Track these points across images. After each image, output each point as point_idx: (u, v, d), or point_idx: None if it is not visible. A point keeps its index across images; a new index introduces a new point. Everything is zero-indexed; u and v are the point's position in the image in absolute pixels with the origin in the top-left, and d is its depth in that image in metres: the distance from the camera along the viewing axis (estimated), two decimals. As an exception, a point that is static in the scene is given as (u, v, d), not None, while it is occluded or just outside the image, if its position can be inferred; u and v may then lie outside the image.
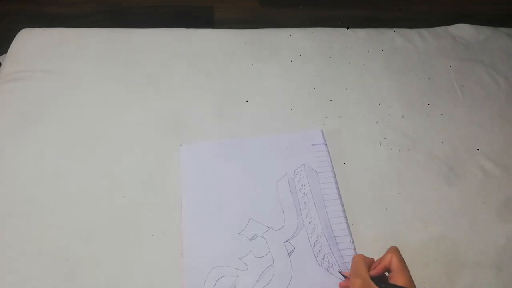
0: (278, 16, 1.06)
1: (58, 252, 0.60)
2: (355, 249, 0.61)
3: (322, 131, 0.74)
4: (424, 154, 0.73)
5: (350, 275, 0.52)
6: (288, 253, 0.60)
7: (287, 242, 0.61)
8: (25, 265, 0.58)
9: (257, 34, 0.90)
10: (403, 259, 0.50)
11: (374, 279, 0.49)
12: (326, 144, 0.72)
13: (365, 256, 0.53)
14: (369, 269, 0.51)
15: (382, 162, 0.72)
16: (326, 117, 0.77)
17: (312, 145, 0.71)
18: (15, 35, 0.86)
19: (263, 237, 0.61)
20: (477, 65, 0.88)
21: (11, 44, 0.85)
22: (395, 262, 0.50)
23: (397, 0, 1.04)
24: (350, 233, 0.63)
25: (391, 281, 0.49)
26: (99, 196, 0.65)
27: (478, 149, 0.74)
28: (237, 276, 0.58)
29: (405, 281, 0.48)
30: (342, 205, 0.65)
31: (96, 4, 1.02)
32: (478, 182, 0.70)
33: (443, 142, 0.75)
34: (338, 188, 0.67)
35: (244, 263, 0.59)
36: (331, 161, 0.70)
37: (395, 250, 0.51)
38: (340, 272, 0.59)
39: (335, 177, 0.68)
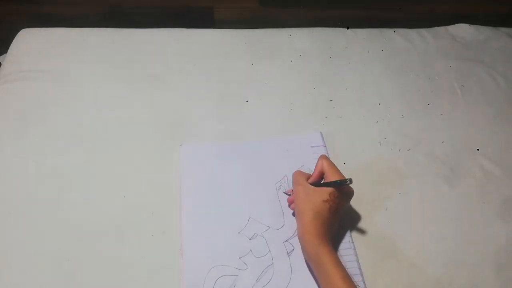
0: (278, 16, 1.06)
1: (58, 252, 0.60)
2: (355, 249, 0.61)
3: (321, 133, 0.74)
4: (424, 154, 0.73)
5: (292, 186, 0.62)
6: (288, 253, 0.60)
7: (286, 242, 0.61)
8: (25, 265, 0.58)
9: (257, 34, 0.90)
10: (331, 162, 0.61)
11: (314, 185, 0.59)
12: (325, 146, 0.72)
13: (302, 171, 0.63)
14: (307, 179, 0.61)
15: (382, 162, 0.72)
16: (326, 117, 0.77)
17: (311, 147, 0.71)
18: (15, 35, 0.86)
19: (263, 237, 0.61)
20: (477, 65, 0.88)
21: (11, 44, 0.85)
22: (325, 165, 0.60)
23: (397, 0, 1.04)
24: (350, 233, 0.63)
25: (326, 181, 0.59)
26: (99, 196, 0.65)
27: (478, 149, 0.75)
28: (237, 275, 0.58)
29: (337, 177, 0.58)
30: (342, 205, 0.65)
31: (96, 4, 1.03)
32: (478, 182, 0.70)
33: (443, 142, 0.75)
34: (338, 188, 0.67)
35: (244, 263, 0.59)
36: (331, 162, 0.70)
37: (324, 157, 0.62)
38: (284, 192, 0.66)
39: (334, 178, 0.68)
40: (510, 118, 0.80)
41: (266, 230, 0.62)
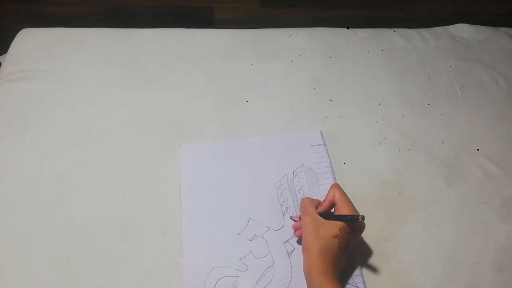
0: (278, 16, 1.06)
1: (58, 252, 0.60)
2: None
3: (321, 132, 0.74)
4: (424, 154, 0.73)
5: (300, 215, 0.58)
6: (288, 254, 0.60)
7: (287, 243, 0.61)
8: (25, 265, 0.58)
9: (257, 34, 0.90)
10: (344, 192, 0.57)
11: (322, 215, 0.55)
12: (325, 145, 0.72)
13: (312, 198, 0.59)
14: (316, 208, 0.57)
15: (382, 162, 0.72)
16: (326, 117, 0.77)
17: (311, 146, 0.71)
18: (15, 35, 0.86)
19: (263, 238, 0.61)
20: (477, 65, 0.88)
21: (11, 44, 0.85)
22: (337, 195, 0.56)
23: (397, 0, 1.04)
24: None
25: (337, 213, 0.56)
26: (99, 196, 0.65)
27: (478, 149, 0.75)
28: (237, 276, 0.58)
29: (349, 210, 0.55)
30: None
31: (96, 4, 1.02)
32: (478, 182, 0.70)
33: (443, 142, 0.75)
34: (338, 188, 0.67)
35: (244, 264, 0.59)
36: (330, 162, 0.70)
37: (336, 186, 0.58)
38: (290, 217, 0.63)
39: (334, 178, 0.68)
40: (510, 118, 0.80)
41: (266, 231, 0.62)
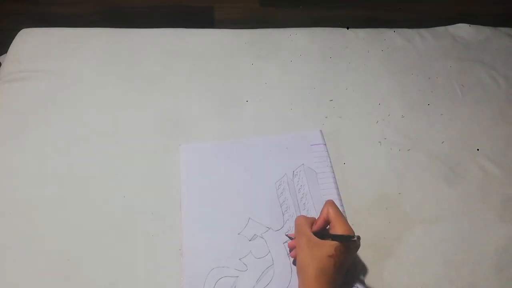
0: (278, 16, 1.06)
1: (58, 252, 0.60)
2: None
3: (321, 131, 0.74)
4: (424, 154, 0.73)
5: (295, 235, 0.56)
6: (288, 254, 0.60)
7: (286, 243, 0.61)
8: (25, 265, 0.58)
9: (257, 34, 0.90)
10: (338, 209, 0.55)
11: (317, 234, 0.54)
12: (325, 145, 0.72)
13: (306, 217, 0.57)
14: (311, 227, 0.55)
15: (382, 162, 0.72)
16: (326, 117, 0.77)
17: (311, 145, 0.71)
18: (15, 35, 0.86)
19: (263, 238, 0.61)
20: (477, 65, 0.88)
21: (11, 44, 0.85)
22: (331, 213, 0.55)
23: (397, 0, 1.04)
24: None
25: (332, 232, 0.54)
26: (99, 196, 0.65)
27: (478, 149, 0.75)
28: (237, 276, 0.58)
29: (344, 229, 0.53)
30: (342, 205, 0.65)
31: (96, 4, 1.02)
32: (478, 182, 0.70)
33: (443, 142, 0.75)
34: (337, 189, 0.67)
35: (244, 264, 0.59)
36: (330, 162, 0.70)
37: (330, 203, 0.56)
38: (286, 234, 0.62)
39: (334, 177, 0.68)
40: (510, 118, 0.80)
41: (266, 231, 0.62)
